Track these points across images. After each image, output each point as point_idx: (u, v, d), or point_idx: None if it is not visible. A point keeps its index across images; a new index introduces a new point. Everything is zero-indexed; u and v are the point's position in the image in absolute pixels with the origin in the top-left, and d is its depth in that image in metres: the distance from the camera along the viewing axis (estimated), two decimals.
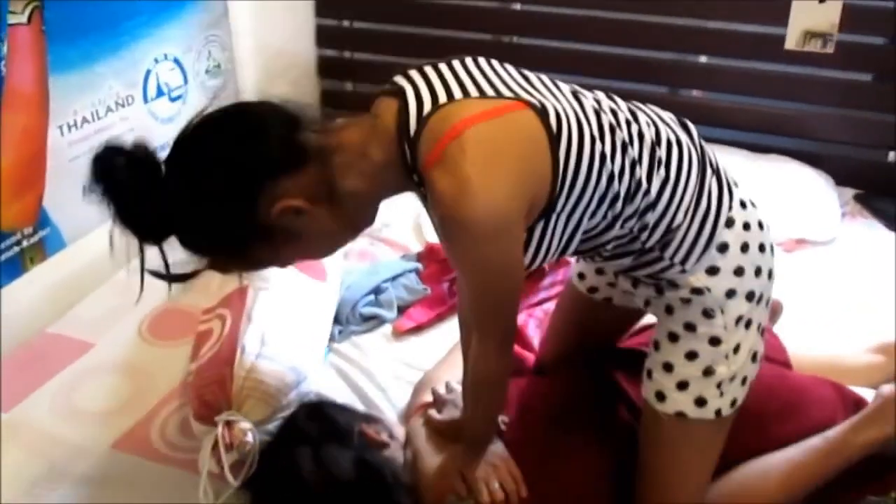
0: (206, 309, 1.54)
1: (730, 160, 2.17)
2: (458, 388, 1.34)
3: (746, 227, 1.11)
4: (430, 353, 1.63)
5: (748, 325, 1.12)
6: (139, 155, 0.94)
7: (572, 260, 1.51)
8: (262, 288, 1.49)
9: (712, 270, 1.10)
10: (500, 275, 0.99)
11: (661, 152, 1.05)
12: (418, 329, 1.73)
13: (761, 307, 1.14)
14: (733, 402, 1.15)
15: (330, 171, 0.97)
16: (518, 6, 2.64)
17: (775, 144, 2.42)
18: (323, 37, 2.82)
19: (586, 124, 0.99)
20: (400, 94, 1.00)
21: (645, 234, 1.07)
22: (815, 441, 1.26)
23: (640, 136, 1.04)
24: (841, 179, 2.32)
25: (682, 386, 1.13)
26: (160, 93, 2.06)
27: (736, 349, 1.12)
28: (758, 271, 1.11)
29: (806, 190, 2.22)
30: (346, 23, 2.82)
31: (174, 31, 2.08)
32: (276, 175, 0.94)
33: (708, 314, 1.11)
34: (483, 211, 0.91)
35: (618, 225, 1.05)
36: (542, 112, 0.96)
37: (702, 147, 1.12)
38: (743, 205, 1.12)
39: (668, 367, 1.14)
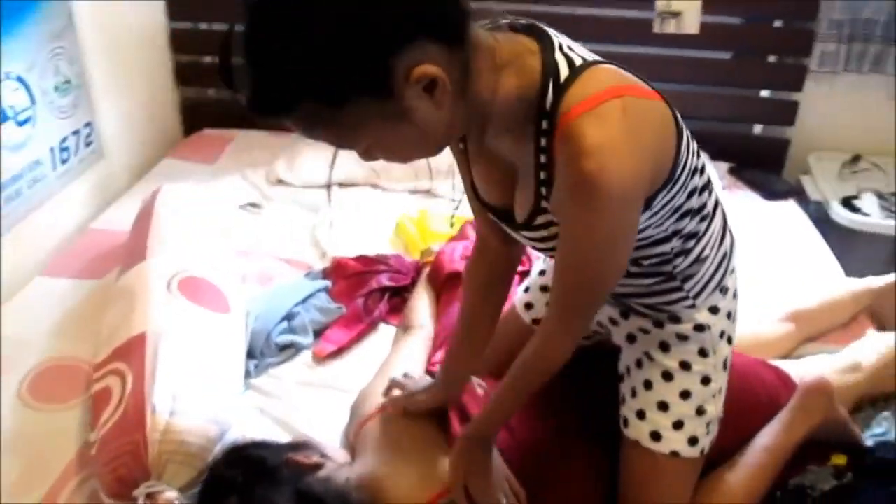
0: (98, 364, 1.36)
1: None
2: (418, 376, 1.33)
3: (734, 272, 1.15)
4: (356, 375, 1.55)
5: (726, 366, 1.17)
6: None
7: (520, 289, 1.46)
8: (160, 332, 1.33)
9: (714, 310, 1.13)
10: (613, 246, 0.92)
11: (708, 182, 1.06)
12: (339, 351, 1.63)
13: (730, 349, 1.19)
14: (712, 440, 1.18)
15: (472, 67, 0.86)
16: None
17: None
18: (178, 42, 2.61)
19: (687, 134, 0.97)
20: (538, 34, 0.92)
21: (680, 259, 1.06)
22: (760, 456, 1.29)
23: (703, 164, 1.04)
24: (714, 154, 2.43)
25: (678, 426, 1.15)
26: (5, 117, 1.81)
27: (720, 390, 1.17)
28: (733, 316, 1.17)
29: None
30: (202, 25, 2.62)
31: (14, 47, 1.82)
32: (435, 36, 0.81)
33: (704, 353, 1.14)
34: (629, 173, 0.85)
35: (673, 240, 1.04)
36: (672, 109, 0.94)
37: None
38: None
39: (663, 407, 1.15)
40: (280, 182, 2.32)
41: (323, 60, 0.78)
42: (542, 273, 1.41)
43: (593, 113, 0.84)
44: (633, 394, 1.19)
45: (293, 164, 2.35)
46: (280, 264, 1.90)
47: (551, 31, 0.93)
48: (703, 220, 1.05)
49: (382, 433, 1.26)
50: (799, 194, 2.39)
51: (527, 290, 1.44)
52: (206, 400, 1.24)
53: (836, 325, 1.71)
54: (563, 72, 0.88)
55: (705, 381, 1.15)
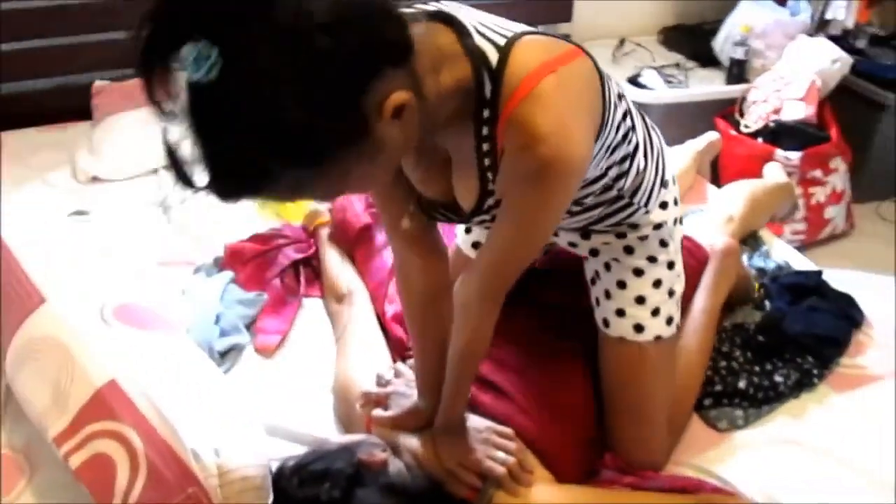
0: (61, 434, 1.13)
1: None
2: (403, 372, 1.29)
3: (666, 160, 1.23)
4: (308, 358, 1.50)
5: (680, 245, 1.28)
6: None
7: (459, 233, 1.45)
8: (133, 374, 1.15)
9: (664, 205, 1.21)
10: (550, 223, 0.97)
11: (627, 100, 1.08)
12: (284, 339, 1.53)
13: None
14: (680, 314, 1.30)
15: (421, 74, 0.82)
16: None
17: None
18: None
19: (605, 75, 0.98)
20: (448, 20, 0.88)
21: (622, 181, 1.11)
22: (701, 318, 1.45)
23: (621, 91, 1.06)
24: None
25: (656, 312, 1.24)
26: None
27: (681, 268, 1.27)
28: (678, 199, 1.26)
29: None
30: None
31: None
32: (392, 62, 0.77)
33: (664, 244, 1.23)
34: (579, 150, 0.88)
35: (609, 172, 1.07)
36: (592, 57, 0.93)
37: None
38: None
39: (640, 300, 1.23)
40: (96, 179, 2.02)
41: (295, 127, 0.72)
42: None
43: (533, 96, 0.85)
44: (608, 296, 1.26)
45: (101, 155, 2.05)
46: (165, 268, 1.69)
47: (460, 14, 0.91)
48: (629, 141, 1.07)
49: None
50: None
51: (468, 230, 1.43)
52: (232, 428, 1.11)
53: (687, 188, 1.98)
54: (492, 57, 0.88)
55: (670, 266, 1.26)
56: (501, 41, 0.87)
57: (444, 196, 1.05)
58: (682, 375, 1.34)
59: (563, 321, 1.35)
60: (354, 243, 1.68)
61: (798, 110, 2.42)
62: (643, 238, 1.22)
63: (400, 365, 1.33)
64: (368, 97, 0.76)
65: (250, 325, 1.55)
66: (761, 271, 1.67)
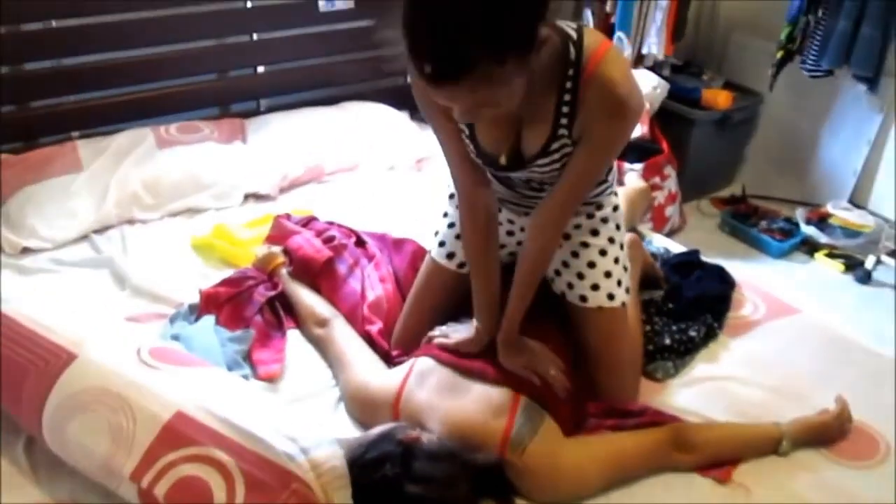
0: (139, 468, 1.22)
1: (322, 117, 2.52)
2: (457, 325, 1.58)
3: None
4: (309, 377, 1.66)
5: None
6: None
7: (432, 247, 1.72)
8: (196, 403, 1.27)
9: (615, 193, 1.57)
10: (617, 152, 1.38)
11: None
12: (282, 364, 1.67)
13: None
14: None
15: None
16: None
17: (339, 94, 2.79)
18: None
19: None
20: None
21: None
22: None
23: None
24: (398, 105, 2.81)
25: (619, 283, 1.59)
26: None
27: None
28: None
29: (392, 121, 2.70)
30: None
31: None
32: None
33: (618, 227, 1.59)
34: (639, 92, 1.29)
35: None
36: None
37: None
38: None
39: (607, 275, 1.58)
40: (27, 251, 2.01)
41: (497, 27, 1.04)
42: (451, 226, 1.69)
43: (607, 59, 1.25)
44: (581, 276, 1.59)
45: (23, 228, 2.04)
46: (155, 306, 1.81)
47: None
48: None
49: (425, 397, 1.45)
50: None
51: (442, 244, 1.70)
52: (306, 427, 1.26)
53: None
54: (573, 34, 1.26)
55: (621, 246, 1.62)
56: (573, 24, 1.25)
57: (493, 148, 1.38)
58: (635, 345, 1.69)
59: (538, 312, 1.63)
60: (318, 276, 1.86)
61: (636, 130, 2.92)
62: (605, 220, 1.56)
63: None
64: (538, 30, 1.10)
65: (244, 360, 1.67)
66: (654, 256, 2.07)
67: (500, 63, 1.07)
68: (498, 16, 1.03)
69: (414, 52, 1.07)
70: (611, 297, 1.59)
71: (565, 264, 1.61)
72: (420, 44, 1.06)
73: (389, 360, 1.66)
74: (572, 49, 1.25)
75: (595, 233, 1.59)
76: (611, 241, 1.60)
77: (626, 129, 1.30)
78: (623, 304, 1.61)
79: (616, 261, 1.61)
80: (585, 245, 1.59)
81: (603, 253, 1.59)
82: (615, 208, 1.60)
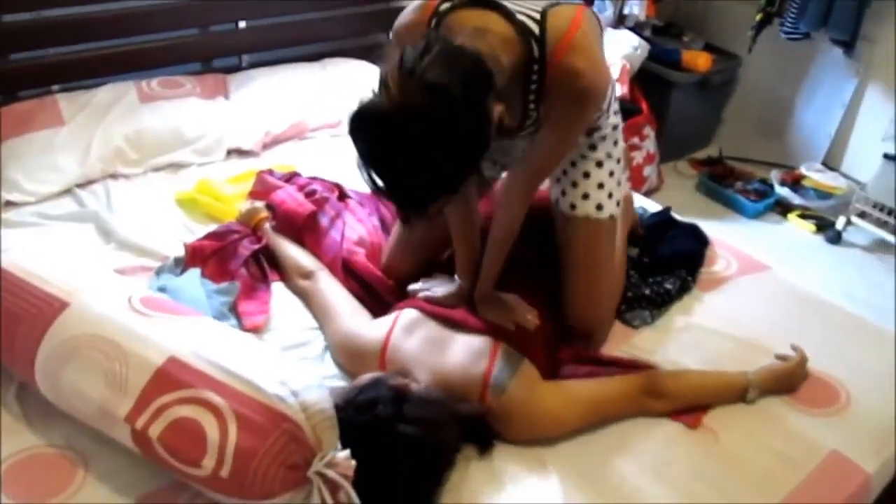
0: (129, 413, 1.25)
1: (305, 73, 2.55)
2: (433, 280, 1.66)
3: None
4: (295, 326, 1.69)
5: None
6: None
7: None
8: (190, 348, 1.31)
9: (616, 112, 1.63)
10: (579, 132, 1.49)
11: None
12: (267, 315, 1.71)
13: None
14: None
15: (496, 72, 1.22)
16: None
17: (321, 51, 2.78)
18: None
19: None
20: (490, 5, 1.26)
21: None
22: (619, 247, 1.83)
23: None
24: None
25: (610, 196, 1.65)
26: None
27: (625, 165, 1.69)
28: (618, 111, 1.67)
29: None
30: None
31: None
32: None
33: (616, 143, 1.64)
34: (605, 81, 1.37)
35: None
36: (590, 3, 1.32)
37: None
38: None
39: (600, 186, 1.63)
40: (10, 204, 2.02)
41: (440, 176, 1.18)
42: None
43: (573, 48, 1.29)
44: (574, 185, 1.65)
45: (5, 182, 2.04)
46: (139, 260, 1.84)
47: None
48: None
49: (412, 348, 1.51)
50: None
51: None
52: (295, 372, 1.29)
53: None
54: (534, 28, 1.28)
55: (618, 161, 1.67)
56: (536, 14, 1.26)
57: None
58: (616, 275, 1.77)
59: (528, 270, 1.69)
60: (301, 230, 1.89)
61: (615, 90, 2.94)
62: (603, 137, 1.61)
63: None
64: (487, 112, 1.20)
65: (230, 311, 1.71)
66: None
67: (454, 192, 1.21)
68: (438, 168, 1.16)
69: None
70: (599, 207, 1.64)
71: (564, 172, 1.67)
72: (380, 191, 1.22)
73: (380, 285, 1.76)
74: (535, 46, 1.29)
75: (593, 148, 1.63)
76: (608, 155, 1.65)
77: (590, 110, 1.40)
78: (612, 216, 1.66)
79: (611, 174, 1.65)
80: (584, 157, 1.64)
81: (599, 165, 1.64)
82: (615, 127, 1.65)
